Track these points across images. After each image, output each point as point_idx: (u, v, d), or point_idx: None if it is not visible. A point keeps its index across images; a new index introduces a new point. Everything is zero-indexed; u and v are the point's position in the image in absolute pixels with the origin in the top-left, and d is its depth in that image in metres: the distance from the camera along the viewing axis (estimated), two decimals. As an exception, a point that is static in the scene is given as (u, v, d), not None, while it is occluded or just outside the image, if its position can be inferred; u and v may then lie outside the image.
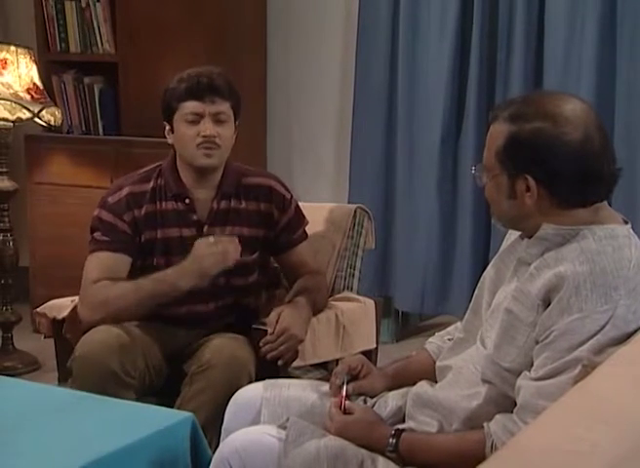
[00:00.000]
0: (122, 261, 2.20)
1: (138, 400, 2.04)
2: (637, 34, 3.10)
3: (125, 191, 2.23)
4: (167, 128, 2.24)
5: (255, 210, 2.27)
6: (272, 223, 2.29)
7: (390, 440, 1.58)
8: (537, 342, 1.49)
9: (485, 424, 1.52)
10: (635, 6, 3.09)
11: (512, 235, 1.70)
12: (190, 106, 2.17)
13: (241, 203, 2.26)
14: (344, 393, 1.72)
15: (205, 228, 2.23)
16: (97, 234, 2.22)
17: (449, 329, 1.87)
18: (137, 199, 2.22)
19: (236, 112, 2.23)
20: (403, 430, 1.61)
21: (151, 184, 2.24)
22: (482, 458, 1.44)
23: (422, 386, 1.70)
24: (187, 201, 2.22)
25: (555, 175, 1.51)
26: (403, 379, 1.81)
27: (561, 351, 1.44)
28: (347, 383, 1.76)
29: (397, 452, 1.57)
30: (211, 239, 2.15)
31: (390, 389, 1.80)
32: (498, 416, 1.51)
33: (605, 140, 1.54)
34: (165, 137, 2.26)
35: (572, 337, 1.44)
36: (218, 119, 2.18)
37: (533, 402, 1.45)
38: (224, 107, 2.19)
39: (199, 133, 2.16)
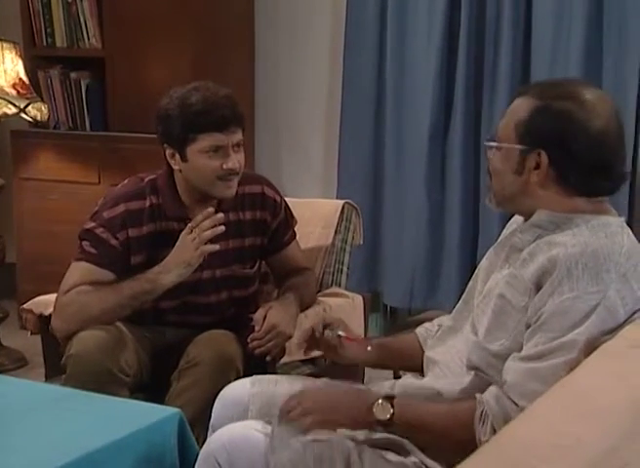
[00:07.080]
0: (105, 277, 2.11)
1: (130, 397, 2.02)
2: (624, 33, 3.11)
3: (121, 208, 2.13)
4: (168, 152, 2.13)
5: (251, 219, 2.25)
6: (265, 229, 2.27)
7: (381, 401, 1.54)
8: (528, 327, 1.48)
9: (477, 394, 1.51)
10: (622, 4, 3.10)
11: (509, 230, 1.70)
12: (213, 139, 2.07)
13: (238, 214, 2.23)
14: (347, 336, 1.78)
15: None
16: (85, 243, 2.14)
17: (438, 319, 1.87)
18: (133, 217, 2.14)
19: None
20: (393, 396, 1.58)
21: (147, 202, 2.16)
22: (471, 425, 1.46)
23: (408, 378, 1.71)
24: (188, 222, 2.11)
25: (569, 157, 1.51)
26: (386, 351, 1.82)
27: (553, 331, 1.44)
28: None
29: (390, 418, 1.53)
30: (191, 229, 2.06)
31: (371, 361, 1.82)
32: (491, 388, 1.50)
33: (621, 139, 1.56)
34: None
35: (563, 318, 1.43)
36: (236, 146, 2.11)
37: (523, 383, 1.44)
38: (241, 134, 2.13)
39: (222, 165, 2.08)
